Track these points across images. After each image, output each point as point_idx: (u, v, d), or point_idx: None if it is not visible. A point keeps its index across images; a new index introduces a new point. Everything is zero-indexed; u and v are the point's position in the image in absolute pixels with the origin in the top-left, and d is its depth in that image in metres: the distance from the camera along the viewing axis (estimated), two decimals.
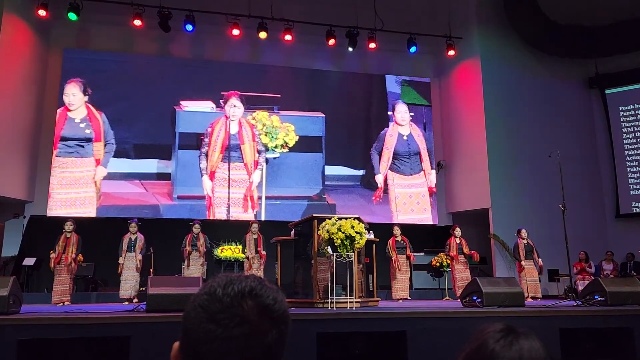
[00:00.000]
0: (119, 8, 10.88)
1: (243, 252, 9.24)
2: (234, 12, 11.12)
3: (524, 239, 9.19)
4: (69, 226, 8.30)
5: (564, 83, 12.78)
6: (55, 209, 10.71)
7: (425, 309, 5.58)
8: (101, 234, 9.94)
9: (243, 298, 0.81)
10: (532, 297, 8.65)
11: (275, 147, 12.02)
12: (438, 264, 10.28)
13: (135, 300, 8.34)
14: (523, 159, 11.93)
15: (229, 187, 11.58)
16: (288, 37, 11.51)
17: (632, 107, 12.48)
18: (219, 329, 0.78)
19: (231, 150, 11.69)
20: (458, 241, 9.42)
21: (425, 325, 4.76)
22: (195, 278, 7.11)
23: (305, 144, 12.22)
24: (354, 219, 6.03)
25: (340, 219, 6.04)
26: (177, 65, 12.11)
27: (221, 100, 11.89)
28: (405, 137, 12.81)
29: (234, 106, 11.88)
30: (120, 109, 11.47)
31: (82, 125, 11.18)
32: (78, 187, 10.92)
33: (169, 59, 12.12)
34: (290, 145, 12.08)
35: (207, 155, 11.59)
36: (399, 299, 9.14)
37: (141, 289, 8.38)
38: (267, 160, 11.94)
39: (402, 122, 12.88)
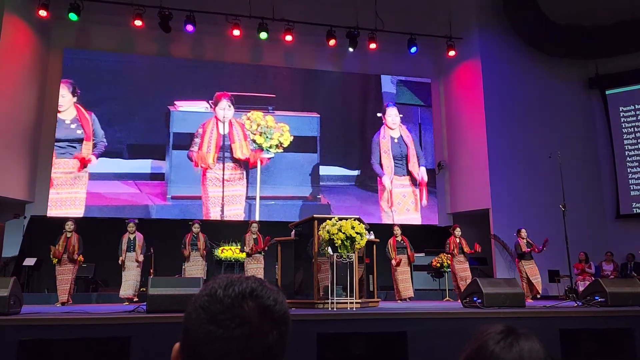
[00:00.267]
0: (120, 8, 10.88)
1: (242, 250, 9.21)
2: (234, 13, 11.13)
3: (523, 238, 9.19)
4: (69, 226, 8.29)
5: (564, 83, 12.77)
6: (55, 209, 10.70)
7: (426, 309, 5.59)
8: (100, 234, 9.93)
9: (244, 299, 0.81)
10: (532, 298, 8.65)
11: (270, 147, 11.99)
12: (438, 265, 10.28)
13: (136, 300, 8.33)
14: (523, 159, 11.92)
15: (223, 187, 11.58)
16: (289, 38, 11.51)
17: (632, 107, 12.48)
18: (220, 330, 0.78)
19: (225, 151, 11.69)
20: (458, 240, 9.42)
21: (426, 326, 4.76)
22: (196, 279, 7.10)
23: (300, 144, 12.19)
24: (354, 220, 6.03)
25: (340, 219, 6.03)
26: (174, 66, 12.08)
27: (210, 101, 11.87)
28: (396, 140, 12.87)
29: (225, 108, 11.86)
30: (115, 109, 11.44)
31: (72, 126, 11.19)
32: (70, 187, 10.93)
33: (167, 59, 12.10)
34: (285, 145, 12.06)
35: (196, 154, 11.58)
36: (405, 299, 9.09)
37: (142, 289, 8.38)
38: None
39: (393, 126, 12.93)
